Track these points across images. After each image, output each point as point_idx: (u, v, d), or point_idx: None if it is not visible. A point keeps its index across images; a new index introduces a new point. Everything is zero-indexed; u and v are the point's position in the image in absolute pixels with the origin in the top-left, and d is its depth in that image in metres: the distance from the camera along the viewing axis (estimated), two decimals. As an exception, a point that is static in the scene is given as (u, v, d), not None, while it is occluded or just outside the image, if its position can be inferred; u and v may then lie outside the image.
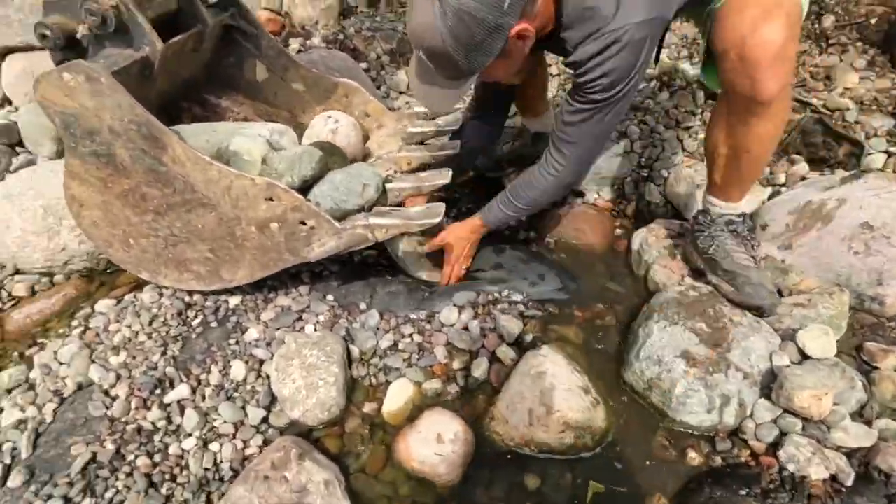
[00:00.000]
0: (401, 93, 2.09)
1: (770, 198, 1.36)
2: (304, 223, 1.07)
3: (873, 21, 1.64)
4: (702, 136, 1.65)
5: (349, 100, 1.52)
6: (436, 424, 1.03)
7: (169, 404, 1.06)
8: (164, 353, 1.17)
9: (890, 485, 0.86)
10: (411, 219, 1.04)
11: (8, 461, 0.96)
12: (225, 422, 1.05)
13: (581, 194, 1.67)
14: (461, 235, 1.33)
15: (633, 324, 1.20)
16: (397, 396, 1.11)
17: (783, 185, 1.42)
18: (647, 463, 0.99)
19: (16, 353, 1.23)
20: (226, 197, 1.05)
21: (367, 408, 1.11)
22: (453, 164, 1.28)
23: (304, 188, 1.15)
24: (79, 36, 1.05)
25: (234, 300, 1.32)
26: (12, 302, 1.38)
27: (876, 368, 1.04)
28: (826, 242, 1.16)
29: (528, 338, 1.23)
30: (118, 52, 1.06)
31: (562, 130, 1.12)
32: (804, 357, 1.03)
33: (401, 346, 1.21)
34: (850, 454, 0.91)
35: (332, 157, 1.19)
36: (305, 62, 1.70)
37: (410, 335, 1.23)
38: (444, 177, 1.15)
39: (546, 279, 1.40)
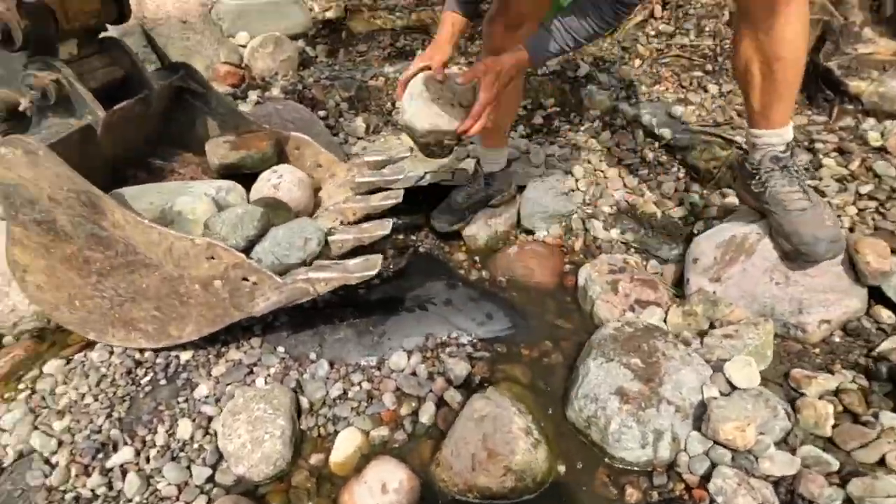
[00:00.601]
0: (359, 138, 2.16)
1: (701, 231, 1.43)
2: (246, 279, 1.10)
3: (790, 62, 1.78)
4: (641, 172, 1.74)
5: (300, 152, 1.57)
6: (381, 474, 1.04)
7: (111, 469, 1.05)
8: (109, 416, 1.16)
9: (812, 511, 0.90)
10: (349, 272, 1.07)
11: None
12: (169, 484, 1.04)
13: (531, 232, 1.73)
14: None
15: (577, 361, 1.24)
16: (345, 446, 1.12)
17: (716, 218, 1.49)
18: (590, 502, 1.01)
19: (-40, 423, 1.21)
20: (167, 257, 1.08)
21: (315, 459, 1.11)
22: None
23: (250, 246, 1.18)
24: (21, 108, 1.08)
25: (185, 356, 1.32)
26: (-41, 368, 1.36)
27: (803, 395, 1.09)
28: (750, 274, 1.22)
29: (476, 380, 1.26)
30: (60, 121, 1.10)
31: None
32: (732, 388, 1.08)
33: (350, 394, 1.23)
34: (776, 483, 0.95)
35: (276, 211, 1.23)
36: (259, 116, 1.77)
37: (360, 383, 1.25)
38: (384, 228, 1.20)
39: (494, 318, 1.43)
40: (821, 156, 1.47)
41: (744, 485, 0.92)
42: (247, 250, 1.16)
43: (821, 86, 1.65)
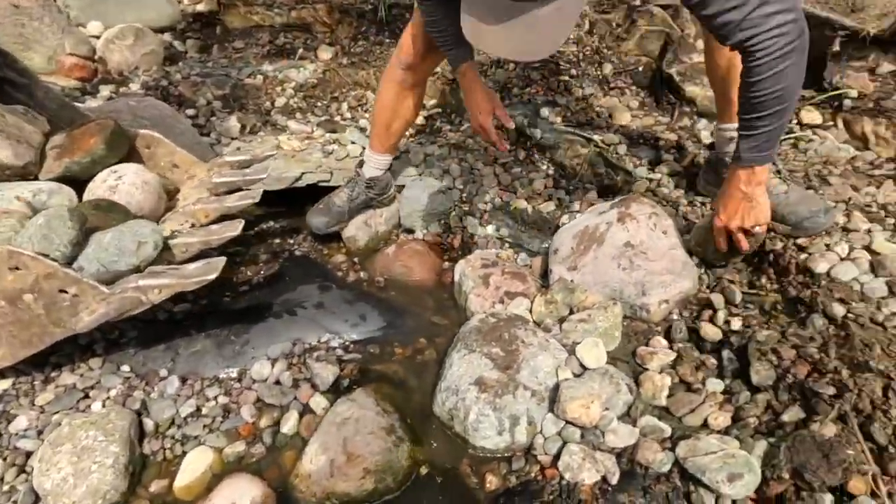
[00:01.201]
0: (233, 139, 2.02)
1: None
2: (64, 291, 0.97)
3: (641, 69, 1.95)
4: (515, 170, 1.80)
5: (152, 151, 1.44)
6: (232, 492, 0.97)
7: None
8: None
9: (647, 476, 0.96)
10: (186, 277, 0.99)
11: None
12: (-36, 537, 0.88)
13: (410, 231, 1.72)
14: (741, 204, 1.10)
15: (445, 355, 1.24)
16: (192, 467, 1.02)
17: (578, 211, 1.58)
18: (451, 495, 1.01)
19: None
20: (-42, 270, 0.92)
21: (156, 486, 1.00)
22: None
23: (78, 254, 1.05)
24: None
25: (3, 384, 1.14)
26: None
27: (647, 370, 1.17)
28: (601, 261, 1.31)
29: (345, 383, 1.22)
30: None
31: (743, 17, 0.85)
32: (585, 369, 1.14)
33: (204, 410, 1.13)
34: (619, 454, 1.01)
35: (108, 214, 1.10)
36: (106, 112, 1.59)
37: (215, 397, 1.16)
38: (233, 229, 1.12)
39: (368, 319, 1.40)
40: (662, 152, 1.62)
41: (588, 459, 0.97)
42: (74, 259, 1.03)
43: (665, 91, 1.83)
